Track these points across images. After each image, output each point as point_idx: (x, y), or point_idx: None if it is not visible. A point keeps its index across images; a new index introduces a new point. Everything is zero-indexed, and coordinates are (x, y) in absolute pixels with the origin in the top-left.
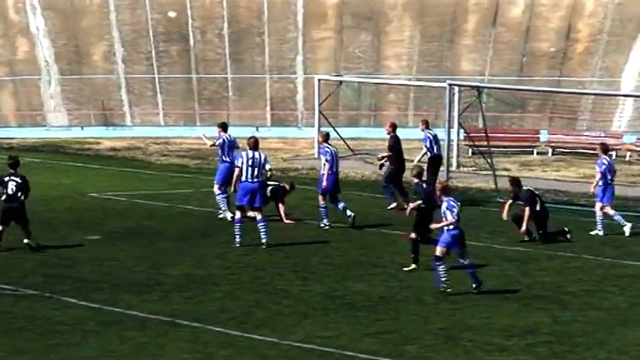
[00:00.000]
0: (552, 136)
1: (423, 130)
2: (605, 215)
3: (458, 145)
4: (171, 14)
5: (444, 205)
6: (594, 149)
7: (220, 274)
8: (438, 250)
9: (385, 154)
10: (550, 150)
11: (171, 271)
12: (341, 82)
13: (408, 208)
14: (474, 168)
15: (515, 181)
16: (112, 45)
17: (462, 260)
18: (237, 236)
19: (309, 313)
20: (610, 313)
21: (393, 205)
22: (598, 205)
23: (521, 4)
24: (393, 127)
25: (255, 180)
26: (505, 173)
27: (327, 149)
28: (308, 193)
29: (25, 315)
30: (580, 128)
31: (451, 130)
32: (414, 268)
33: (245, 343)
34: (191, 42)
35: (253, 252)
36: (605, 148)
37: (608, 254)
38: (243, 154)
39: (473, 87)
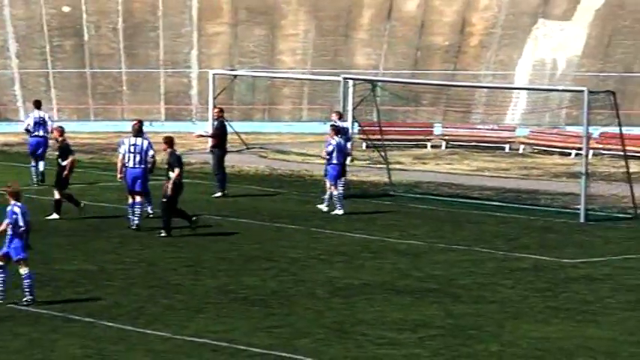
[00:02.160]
0: (446, 129)
1: (335, 122)
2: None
3: (351, 138)
4: (66, 9)
5: (8, 210)
6: (488, 142)
7: (113, 269)
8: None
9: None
10: (444, 143)
11: (64, 267)
12: (235, 76)
13: None
14: (368, 162)
15: (168, 141)
16: (6, 40)
17: (20, 270)
18: (133, 219)
19: (202, 307)
20: (502, 306)
21: (219, 193)
22: (328, 182)
23: None
24: (221, 112)
25: (138, 166)
26: (398, 167)
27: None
28: (202, 187)
29: None
30: (474, 122)
31: (345, 123)
32: None
33: (137, 337)
34: (85, 37)
35: (147, 247)
36: (338, 130)
37: (501, 247)
38: (126, 140)
39: (367, 81)
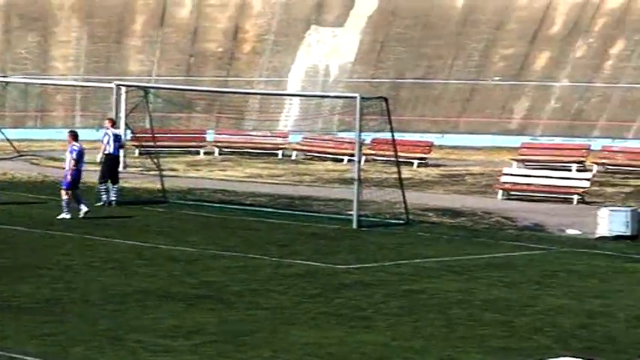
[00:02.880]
0: (219, 136)
1: (107, 129)
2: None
3: (124, 145)
4: None
5: None
6: (261, 149)
7: None
8: None
9: None
10: (217, 150)
11: None
12: (7, 82)
13: None
14: (141, 168)
15: None
16: None
17: None
18: None
19: None
20: (275, 313)
21: None
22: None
23: (189, 4)
24: None
25: None
26: (172, 174)
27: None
28: None
29: None
30: (247, 128)
31: (118, 130)
32: None
33: None
34: None
35: None
36: (75, 135)
37: (274, 254)
38: None
39: (140, 87)
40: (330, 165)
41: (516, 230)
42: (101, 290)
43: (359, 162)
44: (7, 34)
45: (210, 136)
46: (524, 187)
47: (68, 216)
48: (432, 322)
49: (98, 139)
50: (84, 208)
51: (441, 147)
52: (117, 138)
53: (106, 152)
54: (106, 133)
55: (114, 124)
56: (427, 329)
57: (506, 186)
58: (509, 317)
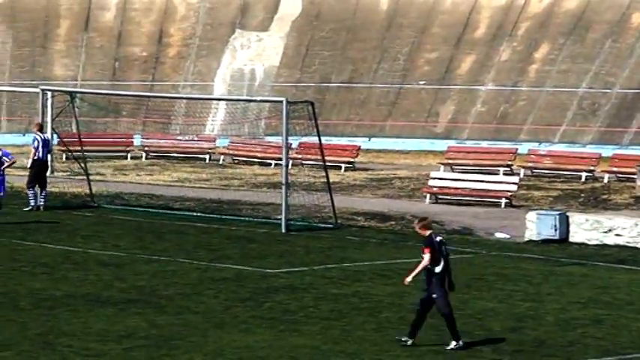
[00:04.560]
0: (146, 140)
1: (36, 133)
2: None
3: (51, 150)
4: None
5: None
6: (189, 153)
7: None
8: None
9: None
10: (144, 154)
11: None
12: None
13: None
14: (69, 173)
15: None
16: None
17: None
18: None
19: None
20: (206, 316)
21: None
22: None
23: (113, 8)
24: None
25: None
26: (99, 178)
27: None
28: None
29: None
30: (174, 132)
31: (47, 135)
32: None
33: None
34: None
35: None
36: None
37: (203, 258)
38: None
39: (66, 92)
40: (257, 169)
41: (445, 234)
42: (31, 295)
43: (286, 166)
44: None
45: (137, 140)
46: (452, 190)
47: None
48: (362, 325)
49: (25, 144)
50: None
51: (368, 151)
52: (45, 143)
53: (35, 157)
54: (36, 138)
55: (41, 128)
56: (358, 333)
57: (434, 190)
58: (440, 321)
